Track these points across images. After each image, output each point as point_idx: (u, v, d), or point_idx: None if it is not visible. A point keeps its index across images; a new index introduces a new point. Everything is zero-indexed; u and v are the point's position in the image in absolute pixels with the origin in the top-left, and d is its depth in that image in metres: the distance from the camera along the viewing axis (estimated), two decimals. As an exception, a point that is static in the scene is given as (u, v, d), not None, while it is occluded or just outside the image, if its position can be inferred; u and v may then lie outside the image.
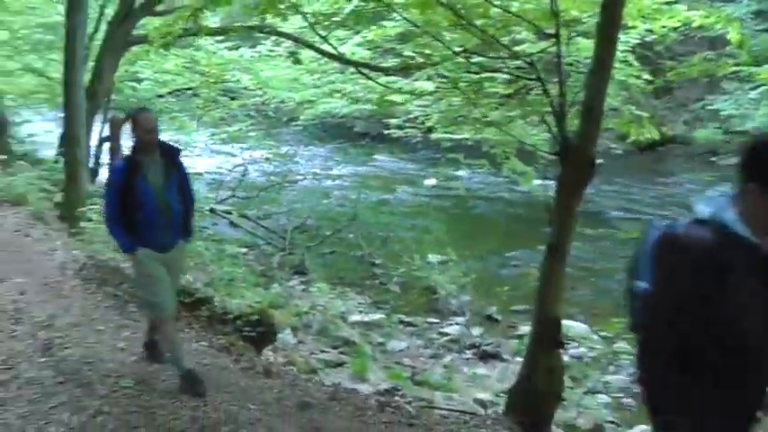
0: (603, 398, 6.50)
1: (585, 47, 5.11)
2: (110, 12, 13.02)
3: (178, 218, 4.23)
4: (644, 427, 5.97)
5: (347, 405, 4.41)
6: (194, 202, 4.60)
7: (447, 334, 8.26)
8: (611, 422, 6.00)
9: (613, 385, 6.79)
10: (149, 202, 4.09)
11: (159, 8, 12.34)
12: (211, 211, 11.17)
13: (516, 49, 5.42)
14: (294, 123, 18.63)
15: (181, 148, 4.63)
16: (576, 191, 4.23)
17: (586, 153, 4.17)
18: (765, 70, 6.47)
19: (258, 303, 6.35)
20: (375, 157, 19.39)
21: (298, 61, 9.72)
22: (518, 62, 5.30)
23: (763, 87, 14.61)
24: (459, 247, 10.92)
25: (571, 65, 5.40)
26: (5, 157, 12.06)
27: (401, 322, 8.71)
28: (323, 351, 7.21)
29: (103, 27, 12.78)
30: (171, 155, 4.30)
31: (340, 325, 7.92)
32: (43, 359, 4.63)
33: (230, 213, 11.46)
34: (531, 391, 4.30)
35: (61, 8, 14.06)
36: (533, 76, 4.92)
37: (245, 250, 9.46)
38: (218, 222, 11.56)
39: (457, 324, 8.50)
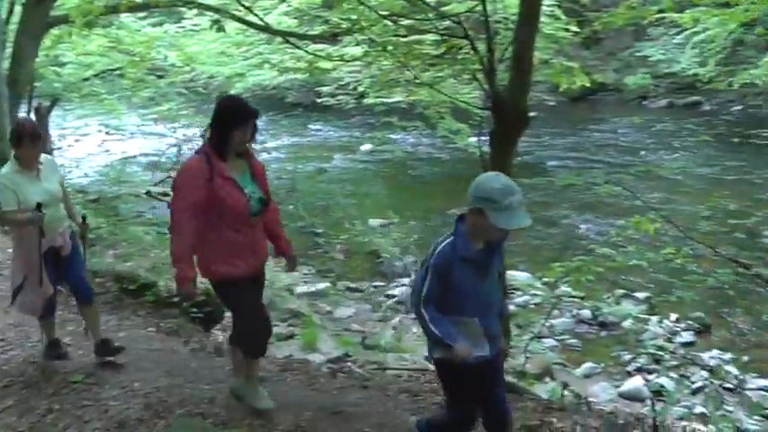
0: (550, 341, 6.76)
1: (512, 3, 5.16)
2: (23, -8, 12.31)
3: None
4: (590, 365, 6.24)
5: (300, 375, 4.44)
6: None
7: (394, 296, 8.34)
8: (559, 363, 6.25)
9: (558, 328, 7.07)
10: None
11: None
12: (148, 194, 10.87)
13: (444, 9, 5.43)
14: (226, 98, 18.22)
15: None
16: (509, 143, 4.30)
17: (518, 106, 4.23)
18: (687, 15, 6.64)
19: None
20: (309, 126, 19.21)
21: (221, 29, 9.45)
22: (446, 22, 5.31)
23: (687, 32, 15.11)
24: (399, 210, 11.00)
25: (500, 22, 5.45)
26: None
27: (347, 289, 8.73)
28: (273, 325, 7.18)
29: (18, 9, 12.08)
30: None
31: (287, 297, 7.90)
32: (-16, 364, 4.48)
33: (167, 195, 11.16)
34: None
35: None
36: (461, 35, 4.92)
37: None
38: (157, 206, 11.28)
39: (403, 285, 8.54)
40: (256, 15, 9.22)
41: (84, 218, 4.45)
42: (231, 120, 3.39)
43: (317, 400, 3.75)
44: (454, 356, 2.69)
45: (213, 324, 6.05)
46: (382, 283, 8.89)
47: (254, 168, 3.57)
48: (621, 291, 7.75)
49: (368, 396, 3.94)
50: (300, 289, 8.40)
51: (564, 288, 7.44)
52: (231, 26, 13.25)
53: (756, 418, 5.23)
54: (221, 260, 3.42)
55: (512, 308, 7.34)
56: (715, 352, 6.56)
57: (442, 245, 2.83)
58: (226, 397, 3.87)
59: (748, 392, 5.79)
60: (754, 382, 5.97)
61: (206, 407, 3.78)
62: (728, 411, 5.45)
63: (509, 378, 4.93)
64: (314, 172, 13.29)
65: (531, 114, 4.33)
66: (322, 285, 8.62)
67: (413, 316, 7.58)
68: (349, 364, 5.07)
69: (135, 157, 13.35)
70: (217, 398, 3.88)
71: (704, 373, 6.09)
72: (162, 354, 4.64)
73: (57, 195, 4.18)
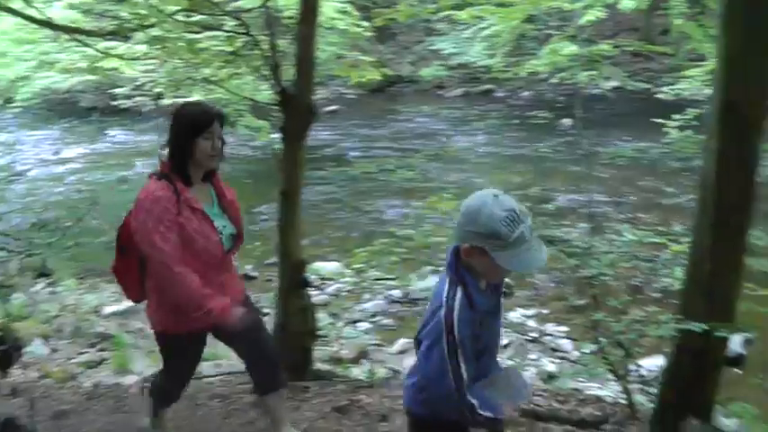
0: (364, 325, 6.97)
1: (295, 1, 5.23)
2: None
3: None
4: (404, 340, 6.55)
5: (108, 400, 4.23)
6: None
7: (206, 303, 8.16)
8: (375, 344, 6.48)
9: (370, 311, 7.30)
10: None
11: None
12: None
13: (231, 6, 5.39)
14: (11, 105, 16.63)
15: None
16: (298, 137, 4.38)
17: (303, 101, 4.33)
18: (466, 13, 7.16)
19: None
20: (107, 132, 17.98)
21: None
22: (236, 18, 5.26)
23: (474, 27, 16.29)
24: (208, 212, 10.69)
25: (292, 17, 5.51)
26: None
27: (159, 301, 8.36)
28: (80, 353, 6.68)
29: None
30: None
31: (94, 320, 7.43)
32: None
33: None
34: (288, 334, 4.47)
35: None
36: (244, 32, 4.91)
37: (-25, 263, 8.35)
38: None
39: (216, 291, 8.42)
40: (35, 8, 8.45)
41: None
42: (190, 126, 2.78)
43: (126, 421, 3.59)
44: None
45: (11, 363, 5.52)
46: (195, 292, 8.65)
47: (222, 196, 3.00)
48: (429, 267, 8.16)
49: (176, 409, 3.84)
50: (109, 309, 7.85)
51: (374, 272, 7.73)
52: (9, 21, 12.02)
53: (555, 360, 6.02)
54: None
55: (324, 297, 7.53)
56: (519, 311, 7.19)
57: (456, 309, 2.00)
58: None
59: (548, 339, 6.49)
60: (552, 329, 6.69)
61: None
62: (533, 359, 6.10)
63: (324, 366, 5.07)
64: (115, 181, 12.51)
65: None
66: (131, 302, 8.17)
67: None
68: (163, 379, 4.89)
69: None
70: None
71: (510, 330, 6.65)
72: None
73: None
